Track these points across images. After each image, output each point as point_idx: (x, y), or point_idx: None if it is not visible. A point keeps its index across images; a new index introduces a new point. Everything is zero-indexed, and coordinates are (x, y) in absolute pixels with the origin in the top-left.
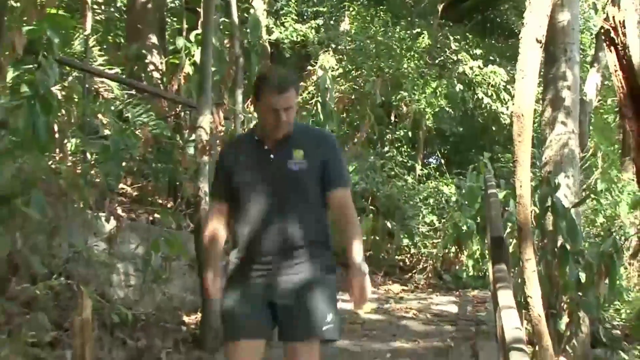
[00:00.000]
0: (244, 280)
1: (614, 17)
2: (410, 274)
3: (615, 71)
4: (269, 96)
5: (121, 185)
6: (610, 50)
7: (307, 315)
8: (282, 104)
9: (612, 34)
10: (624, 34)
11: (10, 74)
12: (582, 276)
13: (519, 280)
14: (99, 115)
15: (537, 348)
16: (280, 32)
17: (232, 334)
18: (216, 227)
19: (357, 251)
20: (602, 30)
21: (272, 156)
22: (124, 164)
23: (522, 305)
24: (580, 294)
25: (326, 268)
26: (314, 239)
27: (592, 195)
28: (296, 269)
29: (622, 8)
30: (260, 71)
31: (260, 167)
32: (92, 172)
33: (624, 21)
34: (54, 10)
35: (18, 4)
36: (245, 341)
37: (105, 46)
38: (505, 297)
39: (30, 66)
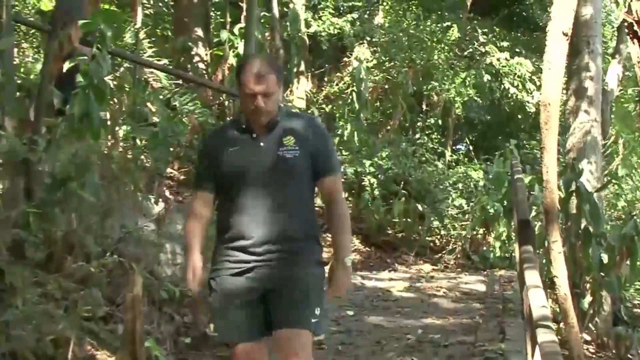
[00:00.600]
0: (235, 274)
1: (637, 10)
2: (440, 255)
3: (638, 62)
4: (246, 80)
5: (169, 170)
6: (633, 42)
7: (298, 304)
8: (259, 89)
9: (635, 27)
10: None
11: (67, 65)
12: (605, 257)
13: (544, 261)
14: (148, 104)
15: (561, 325)
16: (318, 26)
17: (231, 337)
18: (199, 218)
19: (344, 246)
20: (625, 24)
21: (261, 144)
22: (171, 149)
23: (547, 284)
24: (602, 274)
25: (316, 262)
26: (306, 229)
27: (614, 181)
28: (289, 260)
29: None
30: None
31: (249, 156)
32: (142, 157)
33: None
34: (107, 5)
35: None
36: (246, 344)
37: (154, 39)
38: (532, 276)
39: (85, 57)
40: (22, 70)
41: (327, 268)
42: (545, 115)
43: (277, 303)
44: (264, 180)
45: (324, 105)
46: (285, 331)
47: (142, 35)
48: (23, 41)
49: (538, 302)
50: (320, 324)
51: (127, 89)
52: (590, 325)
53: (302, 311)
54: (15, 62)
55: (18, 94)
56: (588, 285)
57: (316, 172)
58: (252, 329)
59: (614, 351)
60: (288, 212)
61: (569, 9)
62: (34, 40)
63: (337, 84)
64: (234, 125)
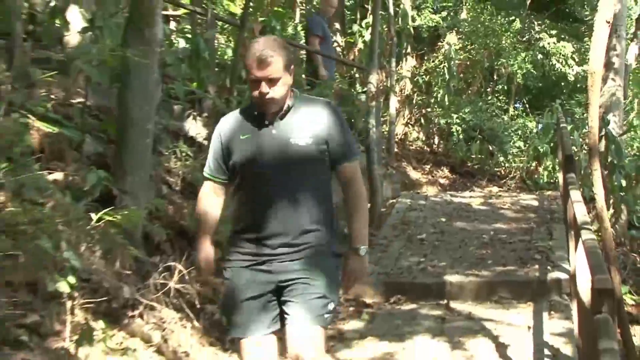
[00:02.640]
0: (248, 265)
1: None
2: (504, 180)
3: None
4: (249, 64)
5: None
6: None
7: (313, 302)
8: (262, 73)
9: None
10: None
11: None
12: (623, 182)
13: (579, 184)
14: (303, 75)
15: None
16: (420, 20)
17: (241, 332)
18: (210, 204)
19: (359, 234)
20: None
21: (274, 131)
22: None
23: None
24: (622, 193)
25: (332, 253)
26: (321, 219)
27: (631, 128)
28: (303, 253)
29: None
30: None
31: (261, 144)
32: None
33: None
34: (276, 8)
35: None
36: (256, 337)
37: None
38: (576, 194)
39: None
40: (219, 53)
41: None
42: (592, 80)
43: (292, 299)
44: (277, 169)
45: (424, 76)
46: (300, 329)
47: (299, 28)
48: (218, 33)
49: (581, 212)
50: (331, 318)
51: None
52: (612, 229)
53: (317, 309)
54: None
55: (217, 69)
56: (612, 201)
57: (333, 159)
58: (263, 323)
59: (628, 247)
60: (302, 202)
61: (610, 3)
62: (225, 32)
63: (433, 61)
64: (247, 111)
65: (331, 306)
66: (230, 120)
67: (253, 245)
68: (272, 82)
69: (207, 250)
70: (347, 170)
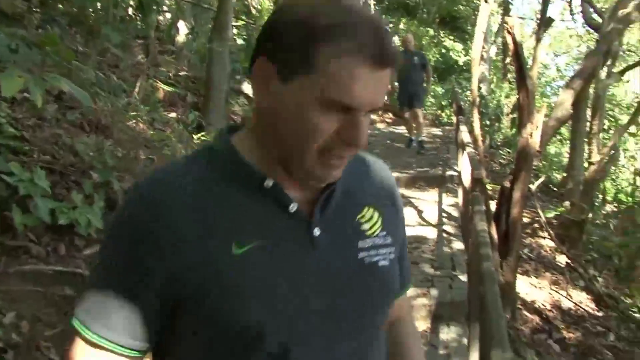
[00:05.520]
0: None
1: (509, 21)
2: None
3: (509, 45)
4: (349, 67)
5: None
6: (509, 34)
7: None
8: (376, 95)
9: (510, 29)
10: (513, 31)
11: None
12: (488, 122)
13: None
14: None
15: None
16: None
17: None
18: None
19: None
20: (505, 27)
21: (316, 232)
22: None
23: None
24: (487, 128)
25: None
26: None
27: (492, 92)
28: None
29: (512, 21)
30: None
31: (298, 273)
32: None
33: (513, 25)
34: None
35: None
36: None
37: None
38: (463, 127)
39: None
40: None
41: None
42: (473, 64)
43: None
44: (328, 328)
45: None
46: None
47: None
48: None
49: (466, 137)
50: None
51: None
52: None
53: None
54: None
55: None
56: (481, 132)
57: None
58: None
59: (488, 158)
60: None
61: (484, 22)
62: None
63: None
64: (234, 175)
65: None
66: (186, 200)
67: None
68: (370, 114)
69: None
70: (406, 301)
